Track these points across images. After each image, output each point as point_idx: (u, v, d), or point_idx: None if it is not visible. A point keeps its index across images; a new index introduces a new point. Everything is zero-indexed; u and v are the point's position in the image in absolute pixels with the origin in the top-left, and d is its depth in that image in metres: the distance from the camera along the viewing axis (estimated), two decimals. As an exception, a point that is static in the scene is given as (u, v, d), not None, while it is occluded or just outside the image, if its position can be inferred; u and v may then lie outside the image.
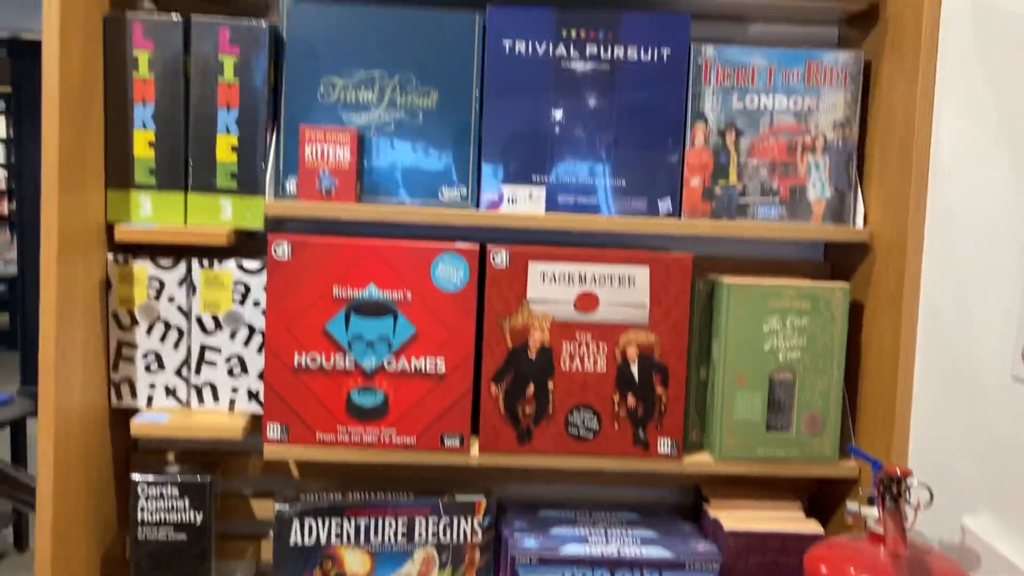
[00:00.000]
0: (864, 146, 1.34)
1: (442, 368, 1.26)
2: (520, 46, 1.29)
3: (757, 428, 1.30)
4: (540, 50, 1.29)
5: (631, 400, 1.28)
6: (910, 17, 1.20)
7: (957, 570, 1.01)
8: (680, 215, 1.32)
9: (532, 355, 1.27)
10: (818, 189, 1.32)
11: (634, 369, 1.28)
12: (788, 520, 1.32)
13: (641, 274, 1.27)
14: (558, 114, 1.30)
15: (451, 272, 1.25)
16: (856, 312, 1.33)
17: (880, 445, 1.25)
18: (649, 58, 1.29)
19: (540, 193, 1.31)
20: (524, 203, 1.31)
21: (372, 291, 1.24)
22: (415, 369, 1.25)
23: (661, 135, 1.30)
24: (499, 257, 1.26)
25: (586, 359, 1.27)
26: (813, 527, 1.31)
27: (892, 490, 1.01)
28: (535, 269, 1.26)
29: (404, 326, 1.25)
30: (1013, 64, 1.02)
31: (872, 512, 1.05)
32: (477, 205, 1.31)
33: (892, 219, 1.24)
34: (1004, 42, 1.03)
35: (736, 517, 1.32)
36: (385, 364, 1.25)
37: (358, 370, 1.25)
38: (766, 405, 1.30)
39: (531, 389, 1.27)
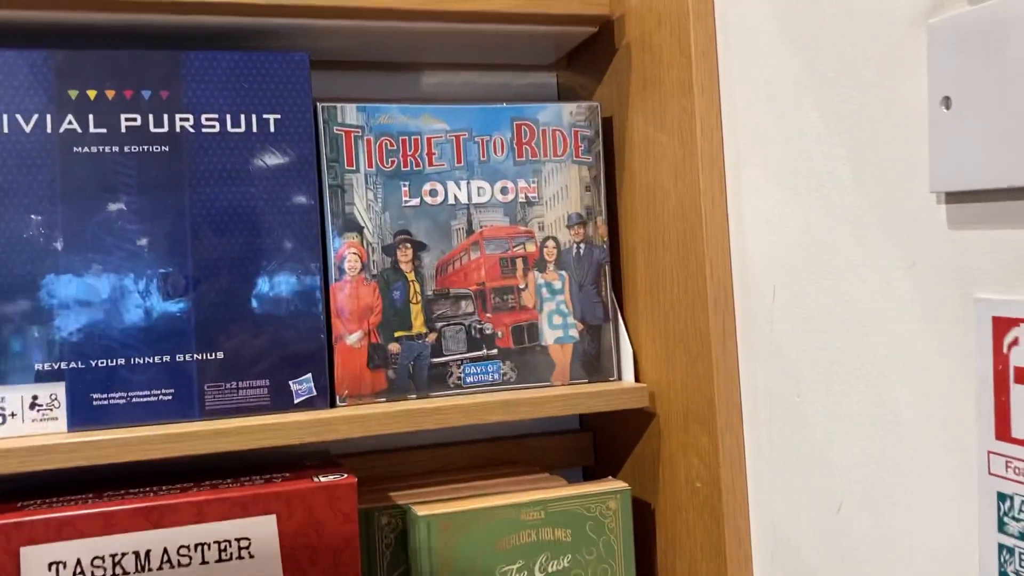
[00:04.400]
0: (620, 250, 0.84)
1: None
2: (-17, 121, 0.67)
3: None
4: (26, 126, 0.68)
5: None
6: (668, 37, 0.72)
7: None
8: (333, 401, 0.74)
9: None
10: (558, 326, 0.80)
11: None
12: None
13: (261, 531, 0.67)
14: (76, 241, 0.68)
15: None
16: (644, 522, 0.81)
17: None
18: (243, 130, 0.72)
19: (56, 394, 0.68)
20: (23, 420, 0.67)
21: None
22: None
23: (282, 265, 0.73)
24: (-46, 547, 0.61)
25: None
26: None
27: None
28: (36, 560, 0.62)
29: None
30: (874, 79, 0.55)
31: None
32: (-80, 435, 0.66)
33: (684, 369, 0.73)
34: (828, 53, 0.57)
35: None
36: None
37: None
38: None
39: None
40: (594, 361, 0.81)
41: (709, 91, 0.69)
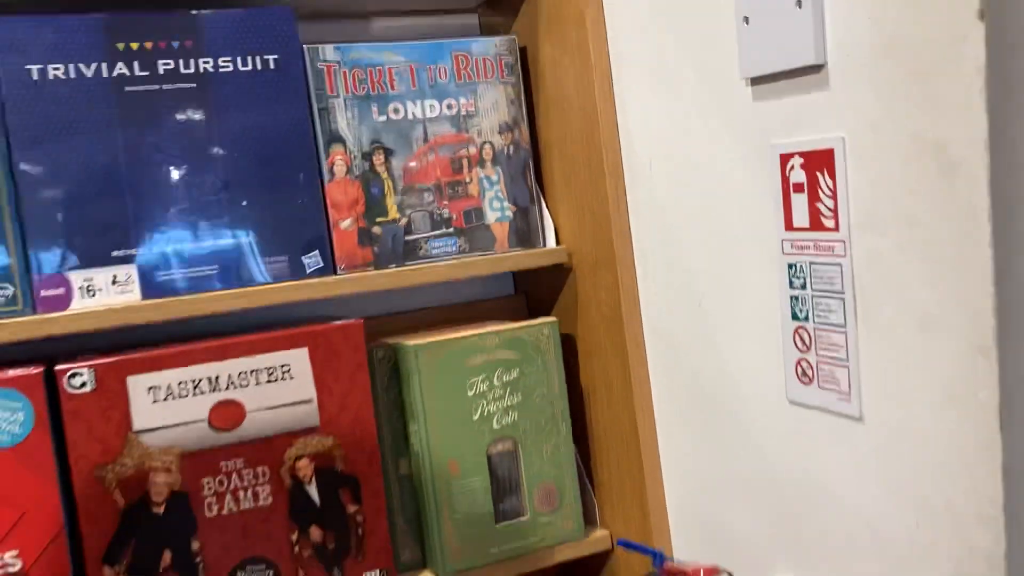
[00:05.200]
0: (540, 148, 1.11)
1: (19, 565, 0.81)
2: (55, 71, 0.88)
3: (485, 522, 1.00)
4: (88, 73, 0.89)
5: (316, 533, 0.92)
6: (564, -15, 0.98)
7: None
8: (335, 270, 0.99)
9: (159, 509, 0.86)
10: (497, 209, 1.06)
11: (312, 491, 0.92)
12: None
13: (298, 359, 0.92)
14: (134, 158, 0.91)
15: (1, 418, 0.81)
16: (570, 348, 1.09)
17: (633, 508, 1.01)
18: (250, 68, 0.95)
19: (130, 273, 0.91)
20: (108, 293, 0.90)
21: None
22: (-35, 585, 0.79)
23: (288, 170, 0.96)
24: (79, 379, 0.84)
25: (242, 495, 0.90)
26: (576, 628, 1.05)
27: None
28: (139, 385, 0.86)
29: (-67, 521, 0.78)
30: (703, 8, 0.82)
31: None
32: (33, 308, 0.88)
33: (591, 230, 1.01)
34: (685, -4, 0.84)
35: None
36: (-91, 591, 0.78)
37: None
38: (490, 491, 1.01)
39: (168, 557, 0.87)
40: (525, 233, 1.08)
41: (598, 23, 0.95)
